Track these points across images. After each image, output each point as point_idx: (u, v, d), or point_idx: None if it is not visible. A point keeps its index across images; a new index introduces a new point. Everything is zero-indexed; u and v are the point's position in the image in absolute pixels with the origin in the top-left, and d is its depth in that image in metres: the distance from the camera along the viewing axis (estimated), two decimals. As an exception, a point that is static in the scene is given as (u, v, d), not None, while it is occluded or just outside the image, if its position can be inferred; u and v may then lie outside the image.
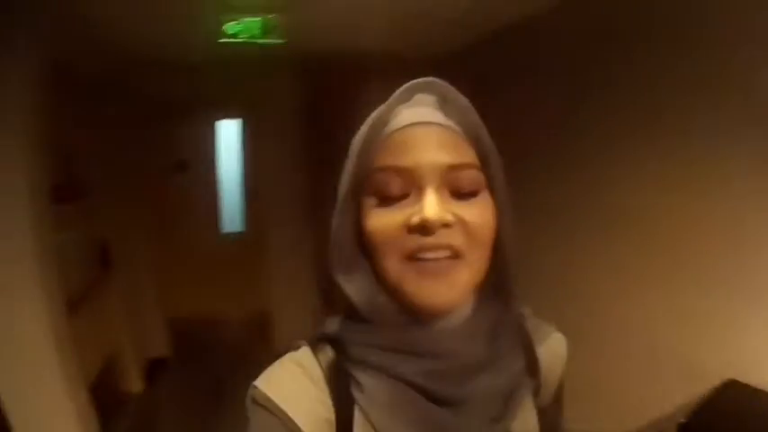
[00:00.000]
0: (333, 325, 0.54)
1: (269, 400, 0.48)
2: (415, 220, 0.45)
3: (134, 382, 3.06)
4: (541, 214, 2.10)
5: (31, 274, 1.71)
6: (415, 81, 0.53)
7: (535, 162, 2.15)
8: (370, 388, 0.49)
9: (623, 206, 1.76)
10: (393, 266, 0.48)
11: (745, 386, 1.33)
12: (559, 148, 2.09)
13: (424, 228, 0.45)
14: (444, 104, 0.52)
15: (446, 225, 0.46)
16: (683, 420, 1.39)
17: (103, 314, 2.64)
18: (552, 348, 0.61)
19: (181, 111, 3.27)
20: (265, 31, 2.25)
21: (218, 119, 4.34)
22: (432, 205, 0.45)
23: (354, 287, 0.52)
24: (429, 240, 0.46)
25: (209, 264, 3.95)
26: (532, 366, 0.57)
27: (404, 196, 0.48)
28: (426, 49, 2.70)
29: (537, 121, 2.19)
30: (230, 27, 2.22)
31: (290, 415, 0.47)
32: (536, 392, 0.58)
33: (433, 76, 0.52)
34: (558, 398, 0.63)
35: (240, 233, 4.45)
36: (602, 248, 1.90)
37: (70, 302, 2.02)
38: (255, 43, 2.31)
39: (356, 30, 2.39)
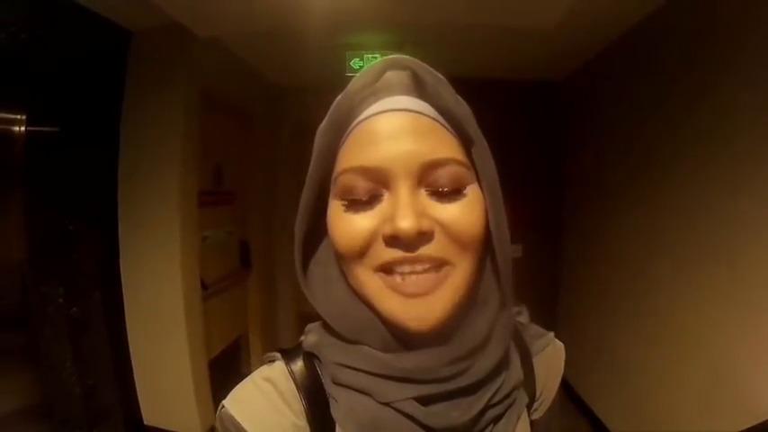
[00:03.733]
0: (312, 336, 0.49)
1: (235, 422, 0.43)
2: (387, 231, 0.38)
3: (256, 365, 3.43)
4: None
5: (174, 261, 2.11)
6: (382, 59, 0.44)
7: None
8: (354, 411, 0.43)
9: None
10: (367, 280, 0.41)
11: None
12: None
13: (398, 240, 0.38)
14: (418, 86, 0.43)
15: (424, 234, 0.38)
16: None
17: (236, 303, 3.04)
18: (550, 359, 0.55)
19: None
20: (384, 66, 2.47)
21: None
22: (405, 213, 0.38)
23: (329, 305, 0.46)
24: (407, 254, 0.39)
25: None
26: (529, 379, 0.51)
27: (375, 199, 0.40)
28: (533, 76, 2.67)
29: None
30: (355, 63, 2.48)
31: None
32: (530, 405, 0.52)
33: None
34: (552, 408, 0.57)
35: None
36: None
37: (207, 288, 2.42)
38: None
39: (468, 62, 2.49)
